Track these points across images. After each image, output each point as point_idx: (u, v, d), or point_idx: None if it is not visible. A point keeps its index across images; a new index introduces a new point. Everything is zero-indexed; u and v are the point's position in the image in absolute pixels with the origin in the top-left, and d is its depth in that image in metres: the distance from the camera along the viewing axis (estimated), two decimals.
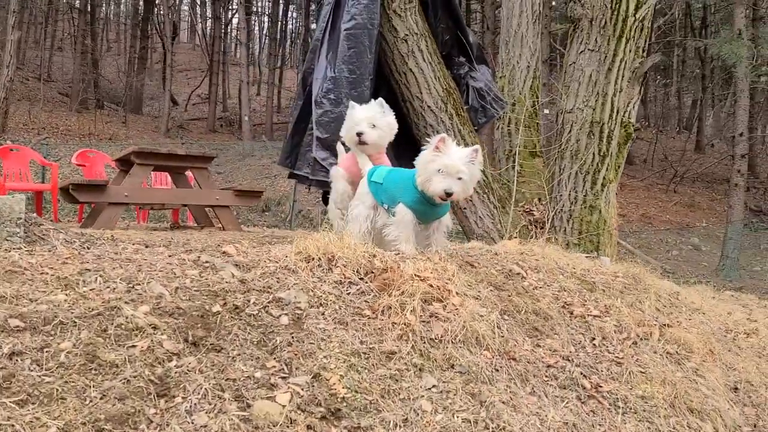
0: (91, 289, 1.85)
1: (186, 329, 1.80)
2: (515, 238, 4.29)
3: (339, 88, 4.77)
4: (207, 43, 33.03)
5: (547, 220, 5.33)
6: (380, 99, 3.52)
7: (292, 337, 1.92)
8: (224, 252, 2.47)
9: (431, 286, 2.28)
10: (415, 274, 2.33)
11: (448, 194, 2.65)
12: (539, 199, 5.57)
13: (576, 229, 5.22)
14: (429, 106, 5.18)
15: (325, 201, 5.44)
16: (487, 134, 8.57)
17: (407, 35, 5.11)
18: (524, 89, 6.19)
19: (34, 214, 2.54)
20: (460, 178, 2.64)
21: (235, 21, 31.16)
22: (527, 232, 5.21)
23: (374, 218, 3.00)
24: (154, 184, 8.70)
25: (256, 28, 41.47)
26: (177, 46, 33.10)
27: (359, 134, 3.28)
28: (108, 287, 1.89)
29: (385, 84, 5.29)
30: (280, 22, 36.58)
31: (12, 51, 15.37)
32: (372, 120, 3.33)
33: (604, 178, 5.29)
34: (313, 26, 21.90)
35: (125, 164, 7.26)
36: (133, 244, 2.88)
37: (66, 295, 1.80)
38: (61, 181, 8.16)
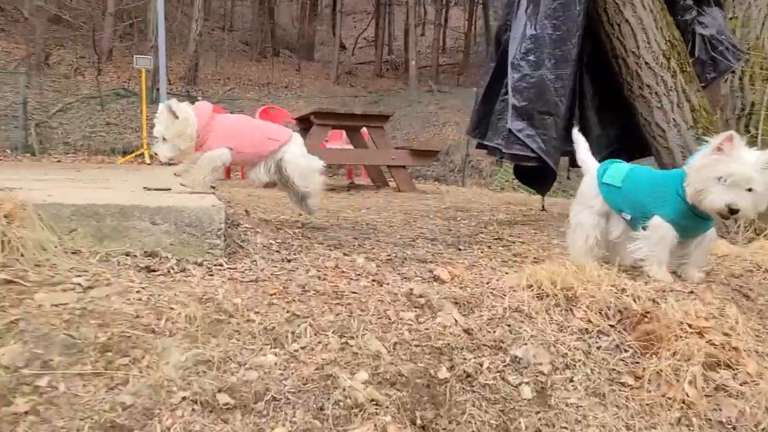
0: (302, 347, 1.58)
1: (411, 406, 1.46)
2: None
3: (540, 48, 4.14)
4: None
5: None
6: None
7: (539, 418, 1.51)
8: (436, 277, 2.11)
9: (712, 344, 1.74)
10: (685, 323, 1.80)
11: (732, 211, 2.02)
12: None
13: None
14: (647, 63, 4.36)
15: (518, 175, 4.92)
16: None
17: None
18: (763, 33, 5.08)
19: (225, 209, 2.36)
20: (750, 190, 2.00)
21: None
22: None
23: (606, 227, 2.46)
24: (329, 139, 8.69)
25: None
26: None
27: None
28: (320, 343, 1.61)
29: (590, 39, 4.55)
30: None
31: (200, 5, 16.22)
32: None
33: None
34: None
35: (305, 123, 7.25)
36: (330, 249, 2.63)
37: (276, 355, 1.54)
38: None
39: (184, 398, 1.37)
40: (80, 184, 3.70)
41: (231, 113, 10.99)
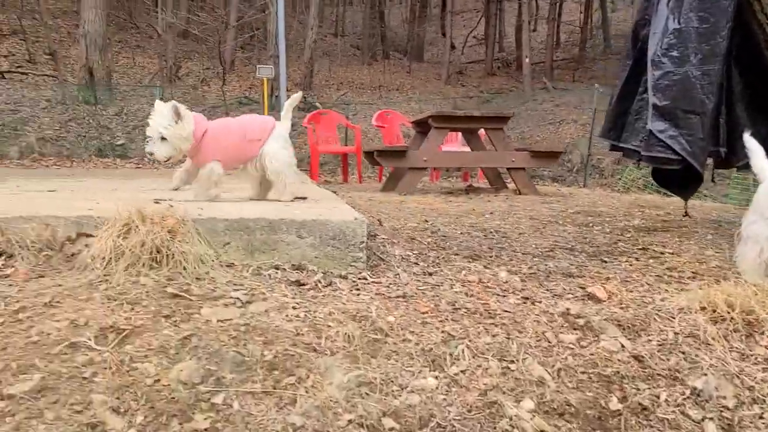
0: (462, 371, 1.53)
1: None
2: None
3: (685, 43, 3.84)
4: None
5: None
6: None
7: None
8: (591, 295, 1.99)
9: None
10: None
11: None
12: None
13: None
14: None
15: (657, 179, 4.61)
16: None
17: None
18: None
19: (366, 222, 2.35)
20: None
21: None
22: None
23: None
24: (445, 141, 8.64)
25: None
26: None
27: None
28: (479, 366, 1.55)
29: (740, 30, 4.16)
30: None
31: (315, 13, 16.74)
32: None
33: None
34: None
35: (422, 126, 7.23)
36: (468, 261, 2.57)
37: (436, 378, 1.50)
38: (363, 142, 8.59)
39: (350, 421, 1.36)
40: (225, 195, 3.88)
41: (348, 118, 11.08)
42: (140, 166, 11.50)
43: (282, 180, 3.08)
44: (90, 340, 1.55)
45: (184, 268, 2.04)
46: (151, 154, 2.88)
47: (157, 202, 2.56)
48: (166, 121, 2.83)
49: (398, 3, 35.00)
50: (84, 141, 12.64)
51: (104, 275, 1.97)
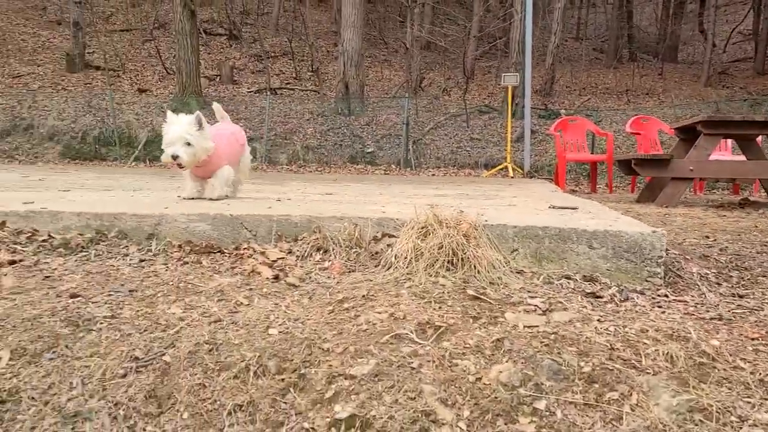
0: None
1: None
2: None
3: None
4: None
5: None
6: None
7: None
8: None
9: None
10: None
11: None
12: None
13: None
14: None
15: None
16: None
17: None
18: None
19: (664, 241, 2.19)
20: None
21: None
22: None
23: None
24: (714, 151, 7.79)
25: None
26: None
27: None
28: None
29: None
30: None
31: (558, 18, 16.32)
32: None
33: None
34: None
35: (686, 133, 6.62)
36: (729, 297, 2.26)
37: None
38: (615, 151, 8.14)
39: None
40: (475, 202, 3.96)
41: (597, 124, 10.65)
42: (388, 172, 12.29)
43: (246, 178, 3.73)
44: (411, 333, 1.67)
45: (478, 272, 2.11)
46: (176, 157, 3.06)
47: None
48: (192, 128, 3.10)
49: (647, 0, 32.58)
50: (339, 149, 13.90)
51: (407, 273, 2.12)
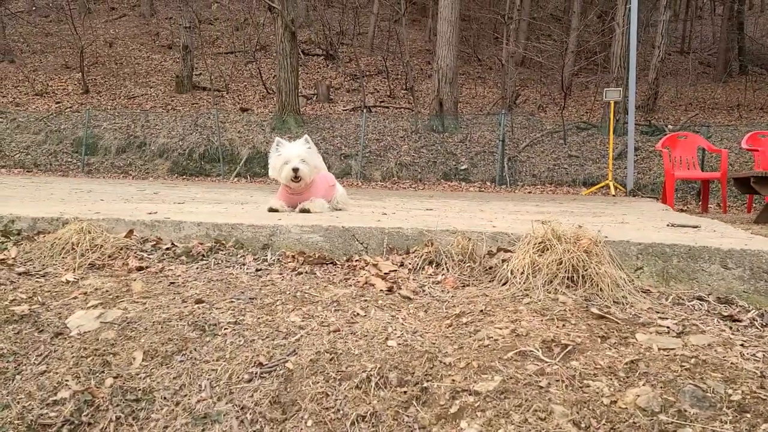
0: None
1: None
2: None
3: None
4: None
5: None
6: None
7: None
8: None
9: None
10: None
11: None
12: None
13: None
14: None
15: None
16: None
17: None
18: None
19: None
20: None
21: None
22: None
23: None
24: None
25: None
26: None
27: None
28: None
29: None
30: None
31: (663, 30, 15.63)
32: None
33: None
34: None
35: None
36: None
37: None
38: (729, 168, 7.63)
39: None
40: (582, 219, 3.80)
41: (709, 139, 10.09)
42: (482, 189, 12.15)
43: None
44: (537, 350, 1.60)
45: (600, 290, 2.01)
46: (297, 170, 3.32)
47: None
48: (304, 148, 3.40)
49: (759, 11, 30.63)
50: (433, 166, 13.90)
51: (524, 289, 2.06)
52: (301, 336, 1.80)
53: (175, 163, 14.47)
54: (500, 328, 1.75)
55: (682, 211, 7.47)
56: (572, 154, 13.94)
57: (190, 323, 1.91)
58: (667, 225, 3.22)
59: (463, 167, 13.91)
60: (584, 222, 3.69)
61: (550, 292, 2.03)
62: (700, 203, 8.22)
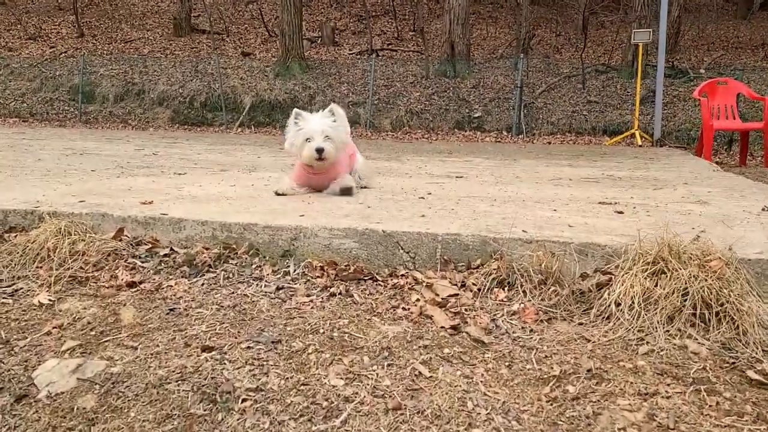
0: None
1: None
2: None
3: None
4: None
5: None
6: None
7: None
8: None
9: None
10: None
11: None
12: None
13: None
14: None
15: None
16: None
17: None
18: None
19: None
20: None
21: None
22: None
23: None
24: None
25: None
26: None
27: None
28: None
29: None
30: None
31: None
32: None
33: None
34: None
35: None
36: None
37: None
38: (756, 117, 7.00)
39: None
40: (642, 192, 3.20)
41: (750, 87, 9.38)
42: (499, 140, 11.52)
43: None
44: None
45: (743, 333, 1.50)
46: (321, 150, 2.83)
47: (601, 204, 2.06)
48: (329, 121, 2.90)
49: None
50: (446, 113, 13.20)
51: (637, 330, 1.55)
52: (349, 416, 1.30)
53: (176, 111, 13.79)
54: (629, 411, 1.25)
55: (719, 164, 6.89)
56: (591, 100, 13.20)
57: (195, 389, 1.42)
58: (763, 209, 2.69)
59: (476, 115, 13.21)
60: (646, 197, 3.15)
61: (672, 336, 1.52)
62: (738, 155, 7.63)
